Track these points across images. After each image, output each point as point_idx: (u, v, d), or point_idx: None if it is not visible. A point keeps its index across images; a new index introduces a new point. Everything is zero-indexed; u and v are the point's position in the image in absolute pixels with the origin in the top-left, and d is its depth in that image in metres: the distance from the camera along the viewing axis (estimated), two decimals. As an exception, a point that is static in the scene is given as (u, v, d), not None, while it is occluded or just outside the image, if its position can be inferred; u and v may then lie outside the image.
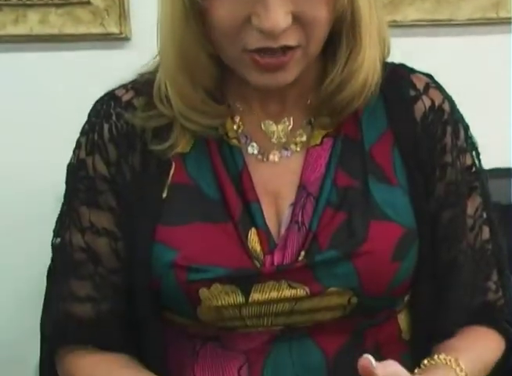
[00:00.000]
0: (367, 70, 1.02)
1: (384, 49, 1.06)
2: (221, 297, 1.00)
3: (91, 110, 1.10)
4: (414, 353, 1.07)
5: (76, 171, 1.08)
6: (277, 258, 1.02)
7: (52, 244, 1.10)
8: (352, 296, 1.01)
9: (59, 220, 1.09)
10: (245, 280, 1.00)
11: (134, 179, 1.05)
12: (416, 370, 1.00)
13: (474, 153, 1.11)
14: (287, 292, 1.00)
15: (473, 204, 1.10)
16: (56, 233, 1.09)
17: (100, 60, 1.46)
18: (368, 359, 0.89)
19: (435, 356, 1.01)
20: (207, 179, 1.04)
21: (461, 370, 0.99)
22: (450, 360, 1.00)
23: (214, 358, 1.04)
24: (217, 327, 1.03)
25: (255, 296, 1.00)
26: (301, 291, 1.00)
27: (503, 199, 1.40)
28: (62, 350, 1.08)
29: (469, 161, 1.10)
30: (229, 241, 1.01)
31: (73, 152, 1.09)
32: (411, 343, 1.08)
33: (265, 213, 1.03)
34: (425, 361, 1.01)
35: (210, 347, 1.04)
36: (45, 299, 1.11)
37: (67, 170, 1.10)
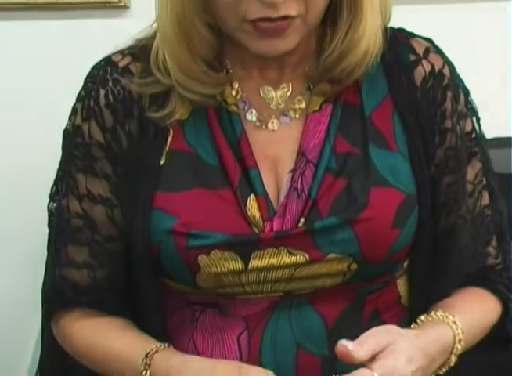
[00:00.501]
0: (368, 39, 1.01)
1: (386, 15, 1.05)
2: (221, 263, 1.00)
3: (88, 76, 1.09)
4: (413, 318, 1.07)
5: (72, 138, 1.07)
6: (276, 225, 1.01)
7: (49, 209, 1.10)
8: (352, 262, 1.01)
9: (56, 186, 1.09)
10: (244, 247, 1.00)
11: (131, 146, 1.05)
12: (412, 326, 1.01)
13: (474, 118, 1.10)
14: (287, 259, 1.00)
15: (472, 170, 1.09)
16: (52, 198, 1.10)
17: (99, 29, 1.45)
18: (343, 344, 0.90)
19: (432, 313, 1.02)
20: (206, 146, 1.04)
21: (457, 328, 1.00)
22: (447, 317, 1.01)
23: (213, 325, 1.04)
24: (216, 294, 1.03)
25: (254, 263, 1.00)
26: (300, 258, 1.00)
27: (503, 168, 1.39)
28: (59, 314, 1.08)
29: (469, 127, 1.10)
30: (228, 208, 1.01)
31: (69, 118, 1.08)
32: (410, 308, 1.09)
33: (264, 180, 1.03)
34: (422, 317, 1.02)
35: (209, 314, 1.04)
36: (45, 265, 1.12)
37: (63, 136, 1.09)
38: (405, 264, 1.08)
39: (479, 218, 1.10)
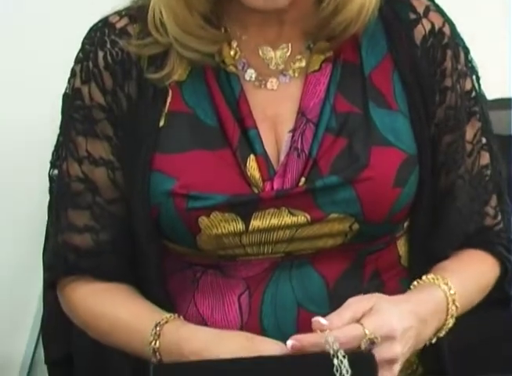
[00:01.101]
0: None
1: None
2: (221, 225, 1.00)
3: (85, 38, 1.08)
4: (412, 278, 1.07)
5: (71, 101, 1.06)
6: (277, 185, 1.01)
7: (50, 176, 1.09)
8: (353, 222, 1.01)
9: (56, 151, 1.09)
10: (245, 208, 1.00)
11: (130, 108, 1.04)
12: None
13: (474, 77, 1.10)
14: (288, 219, 1.00)
15: (472, 130, 1.09)
16: (53, 164, 1.09)
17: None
18: (317, 321, 0.89)
19: (423, 277, 1.02)
20: (204, 107, 1.03)
21: (449, 288, 1.00)
22: (438, 279, 1.01)
23: (214, 285, 1.04)
24: (217, 256, 1.03)
25: (255, 223, 1.00)
26: (301, 218, 1.00)
27: (503, 130, 1.39)
28: (63, 281, 1.07)
29: (469, 86, 1.09)
30: (228, 169, 1.01)
31: (68, 81, 1.07)
32: (409, 268, 1.09)
33: (263, 140, 1.02)
34: (414, 282, 1.02)
35: (210, 275, 1.04)
36: (46, 232, 1.11)
37: (63, 100, 1.08)
38: (406, 224, 1.08)
39: (478, 177, 1.09)
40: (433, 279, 1.01)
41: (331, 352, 0.79)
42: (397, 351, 0.91)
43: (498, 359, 1.23)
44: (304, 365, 0.80)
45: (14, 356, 1.54)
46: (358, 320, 0.90)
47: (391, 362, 0.90)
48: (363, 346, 0.88)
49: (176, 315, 1.00)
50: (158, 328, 0.97)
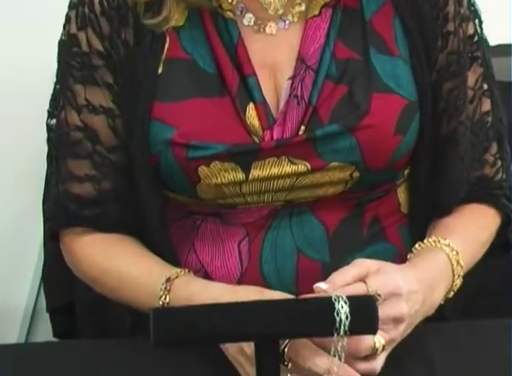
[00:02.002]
0: None
1: None
2: (221, 174, 0.99)
3: None
4: (412, 225, 1.08)
5: (68, 48, 1.04)
6: (276, 134, 1.00)
7: (48, 125, 1.08)
8: (354, 171, 1.00)
9: (53, 100, 1.07)
10: (244, 157, 0.99)
11: (128, 55, 1.02)
12: (408, 256, 1.01)
13: (476, 21, 1.08)
14: (288, 168, 0.99)
15: (473, 75, 1.08)
16: (51, 113, 1.07)
17: None
18: (318, 287, 0.87)
19: (425, 240, 1.01)
20: (203, 53, 1.02)
21: (452, 250, 0.99)
22: (439, 241, 1.00)
23: (214, 233, 1.04)
24: (217, 205, 1.03)
25: (255, 173, 0.99)
26: (301, 167, 0.99)
27: (503, 76, 1.37)
28: (64, 232, 1.07)
29: (471, 30, 1.07)
30: (227, 117, 1.00)
31: (64, 27, 1.05)
32: (409, 215, 1.08)
33: (262, 87, 1.01)
34: (416, 245, 1.01)
35: (210, 222, 1.04)
36: (45, 183, 1.10)
37: (58, 47, 1.06)
38: (406, 172, 1.07)
39: (479, 124, 1.08)
40: (434, 242, 1.00)
41: (333, 296, 0.79)
42: (403, 309, 0.89)
43: (497, 305, 1.24)
44: (305, 309, 0.79)
45: (16, 305, 1.55)
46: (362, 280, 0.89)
47: (396, 320, 0.89)
48: None
49: (186, 270, 0.99)
50: (168, 283, 0.96)
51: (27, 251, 1.49)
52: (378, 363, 0.88)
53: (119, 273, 1.02)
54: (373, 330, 0.80)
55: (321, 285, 0.87)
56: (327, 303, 0.79)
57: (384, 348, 0.87)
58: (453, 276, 0.99)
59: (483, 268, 1.10)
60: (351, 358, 0.86)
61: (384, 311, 0.86)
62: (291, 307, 0.80)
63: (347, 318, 0.78)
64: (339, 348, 0.81)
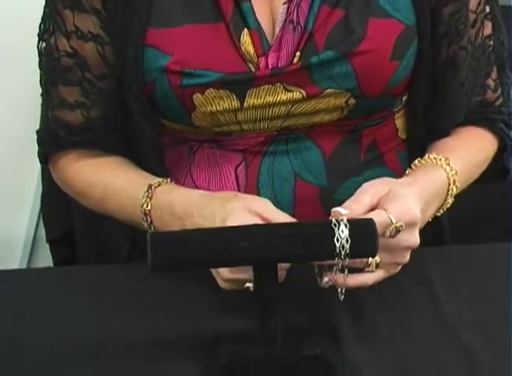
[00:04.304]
0: None
1: None
2: (216, 102, 0.98)
3: None
4: (410, 151, 1.07)
5: None
6: (271, 60, 0.98)
7: (39, 49, 1.06)
8: (350, 97, 0.99)
9: (43, 24, 1.05)
10: (239, 85, 0.98)
11: None
12: (407, 172, 1.01)
13: None
14: (283, 96, 0.98)
15: None
16: (41, 36, 1.06)
17: None
18: (337, 211, 0.85)
19: (426, 156, 1.00)
20: None
21: (451, 169, 0.99)
22: (440, 159, 0.99)
23: (210, 158, 1.04)
24: (213, 132, 1.02)
25: (250, 101, 0.98)
26: (297, 94, 0.98)
27: (504, 0, 1.36)
28: (56, 157, 1.07)
29: None
30: (222, 44, 0.98)
31: None
32: (407, 141, 1.08)
33: (257, 12, 0.99)
34: (416, 161, 1.01)
35: (206, 148, 1.04)
36: (41, 110, 1.09)
37: None
38: (404, 98, 1.06)
39: (480, 48, 1.06)
40: (435, 159, 1.00)
41: (333, 220, 0.79)
42: (417, 238, 0.88)
43: (495, 229, 1.25)
44: (306, 233, 0.79)
45: (16, 235, 1.55)
46: (375, 206, 0.87)
47: (408, 249, 0.88)
48: (388, 234, 0.85)
49: (169, 180, 0.99)
50: (150, 191, 0.97)
51: (26, 182, 1.49)
52: (371, 277, 0.87)
53: (105, 185, 1.03)
54: (372, 254, 0.80)
55: (341, 210, 0.85)
56: (327, 227, 0.78)
57: (377, 265, 0.87)
58: (447, 195, 0.99)
59: (480, 194, 1.11)
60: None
61: (401, 242, 0.86)
62: (291, 231, 0.80)
63: (347, 242, 0.78)
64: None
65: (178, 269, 0.83)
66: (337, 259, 0.78)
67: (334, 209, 0.85)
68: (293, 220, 0.86)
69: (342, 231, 0.78)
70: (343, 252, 0.78)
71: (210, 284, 0.89)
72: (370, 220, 0.80)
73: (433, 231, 1.11)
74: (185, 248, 0.78)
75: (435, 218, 1.01)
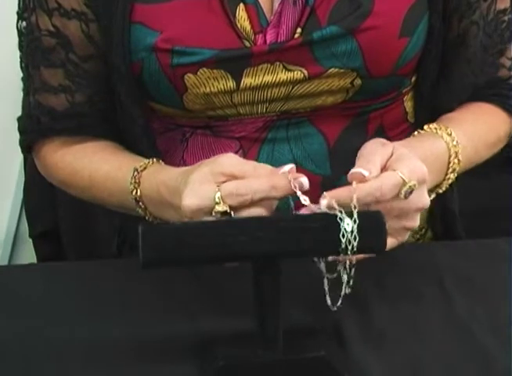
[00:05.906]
0: None
1: None
2: (210, 83, 0.92)
3: None
4: None
5: None
6: (270, 37, 0.93)
7: (18, 29, 1.01)
8: (355, 78, 0.93)
9: (22, 0, 1.00)
10: (235, 63, 0.92)
11: None
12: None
13: None
14: (283, 75, 0.93)
15: None
16: (20, 15, 1.00)
17: None
18: (359, 172, 0.79)
19: (425, 126, 0.94)
20: None
21: (452, 140, 0.92)
22: (440, 128, 0.93)
23: (204, 145, 0.98)
24: (207, 117, 0.96)
25: (247, 81, 0.93)
26: (298, 74, 0.92)
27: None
28: (38, 145, 1.02)
29: None
30: (216, 20, 0.92)
31: None
32: (416, 125, 1.01)
33: None
34: (415, 132, 0.94)
35: (200, 135, 0.98)
36: (23, 95, 1.04)
37: None
38: (413, 79, 1.01)
39: (493, 24, 1.00)
40: (435, 129, 0.93)
41: (338, 214, 0.74)
42: (427, 198, 0.82)
43: (509, 223, 1.20)
44: (309, 227, 0.75)
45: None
46: (384, 168, 0.81)
47: (418, 210, 0.82)
48: (403, 195, 0.80)
49: (155, 159, 0.93)
50: (137, 176, 0.91)
51: (7, 172, 1.44)
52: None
53: (89, 171, 0.98)
54: (380, 249, 0.76)
55: (363, 171, 0.79)
56: (332, 220, 0.74)
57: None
58: (447, 168, 0.92)
59: (494, 185, 1.06)
60: None
61: (413, 202, 0.81)
62: (294, 224, 0.76)
63: (355, 239, 0.74)
64: (347, 266, 0.77)
65: (172, 265, 0.79)
66: (341, 255, 0.74)
67: (354, 170, 0.79)
68: (269, 167, 0.81)
69: (348, 224, 0.74)
70: (350, 248, 0.74)
71: (206, 281, 0.86)
72: (378, 213, 0.76)
73: (444, 224, 1.06)
74: (179, 243, 0.74)
75: (447, 209, 0.95)
